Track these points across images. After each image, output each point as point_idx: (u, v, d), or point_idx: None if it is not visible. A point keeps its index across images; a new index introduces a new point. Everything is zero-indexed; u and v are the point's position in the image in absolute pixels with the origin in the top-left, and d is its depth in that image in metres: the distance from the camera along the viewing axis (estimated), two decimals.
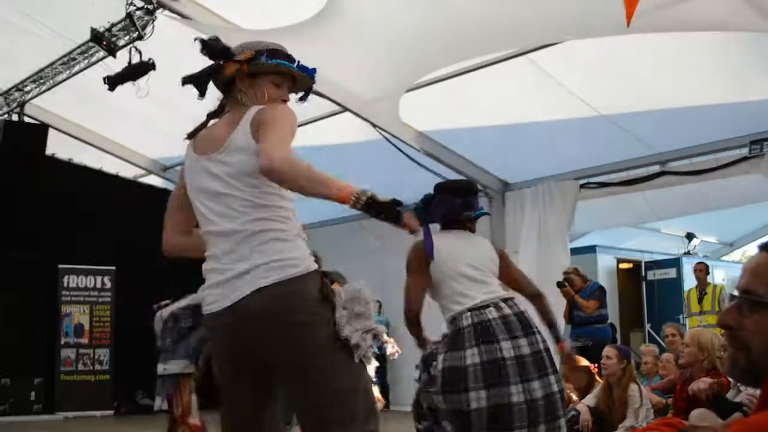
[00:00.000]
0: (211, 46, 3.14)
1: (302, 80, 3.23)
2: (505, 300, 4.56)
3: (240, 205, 2.91)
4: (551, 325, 4.93)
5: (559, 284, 9.78)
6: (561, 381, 4.57)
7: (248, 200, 2.91)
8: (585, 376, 7.43)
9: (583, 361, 7.65)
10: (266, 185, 2.90)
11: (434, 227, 4.72)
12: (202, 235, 3.06)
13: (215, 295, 2.93)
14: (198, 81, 3.16)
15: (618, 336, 14.27)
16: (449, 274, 4.59)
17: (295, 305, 2.83)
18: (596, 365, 7.61)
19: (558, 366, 4.62)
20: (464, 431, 4.29)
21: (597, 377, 7.54)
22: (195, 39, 3.19)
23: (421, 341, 4.67)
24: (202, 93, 3.16)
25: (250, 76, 3.10)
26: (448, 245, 4.65)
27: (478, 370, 4.29)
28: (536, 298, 5.03)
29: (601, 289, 9.97)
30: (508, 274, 4.88)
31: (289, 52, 3.21)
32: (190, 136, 3.17)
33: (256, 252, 2.86)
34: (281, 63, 3.14)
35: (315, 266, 2.93)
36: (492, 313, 4.45)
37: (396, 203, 2.85)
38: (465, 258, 4.64)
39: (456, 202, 4.77)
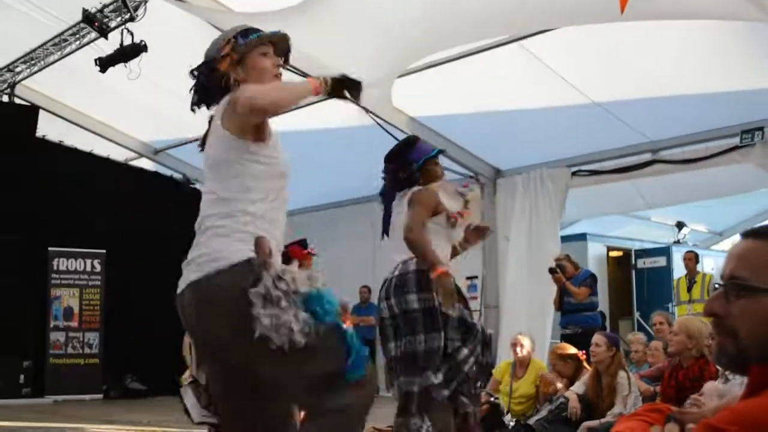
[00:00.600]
0: (200, 68, 3.19)
1: (279, 42, 3.25)
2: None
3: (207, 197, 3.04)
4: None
5: (551, 270, 9.78)
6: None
7: (214, 193, 3.01)
8: (572, 364, 7.45)
9: (571, 349, 7.67)
10: (231, 176, 2.97)
11: None
12: None
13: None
14: (208, 94, 3.17)
15: (607, 324, 14.32)
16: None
17: (213, 303, 2.86)
18: (585, 352, 7.64)
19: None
20: None
21: (586, 365, 7.56)
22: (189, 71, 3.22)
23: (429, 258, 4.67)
24: (209, 104, 3.18)
25: (238, 63, 3.12)
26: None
27: None
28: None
29: (593, 277, 9.98)
30: None
31: None
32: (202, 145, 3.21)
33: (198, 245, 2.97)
34: (257, 35, 3.18)
35: (242, 257, 2.87)
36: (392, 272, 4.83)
37: (347, 79, 3.10)
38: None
39: (395, 168, 4.95)
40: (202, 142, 3.17)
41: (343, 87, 3.11)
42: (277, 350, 2.74)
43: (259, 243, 2.86)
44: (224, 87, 3.10)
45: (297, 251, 7.73)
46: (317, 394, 2.87)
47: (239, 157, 2.96)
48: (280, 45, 3.24)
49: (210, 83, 3.14)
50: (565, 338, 9.54)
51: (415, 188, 4.87)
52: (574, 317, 9.65)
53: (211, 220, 2.95)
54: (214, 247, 2.89)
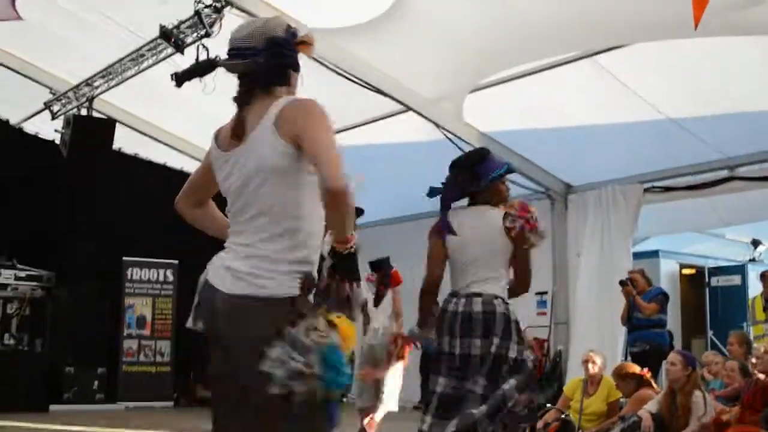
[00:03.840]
0: (278, 44, 2.96)
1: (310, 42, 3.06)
2: (479, 294, 4.56)
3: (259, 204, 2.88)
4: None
5: (622, 283, 9.63)
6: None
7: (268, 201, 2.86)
8: (633, 383, 7.35)
9: (631, 368, 7.57)
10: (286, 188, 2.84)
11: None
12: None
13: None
14: (268, 77, 2.95)
15: (679, 343, 14.07)
16: (453, 253, 4.71)
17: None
18: (648, 370, 7.53)
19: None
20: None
21: (653, 383, 7.45)
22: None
23: (425, 317, 4.64)
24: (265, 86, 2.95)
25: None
26: (460, 224, 4.70)
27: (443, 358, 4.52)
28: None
29: (665, 295, 9.80)
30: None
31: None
32: (218, 132, 3.12)
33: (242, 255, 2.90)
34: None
35: (286, 293, 2.79)
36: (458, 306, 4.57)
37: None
38: (466, 241, 4.66)
39: (465, 177, 4.77)
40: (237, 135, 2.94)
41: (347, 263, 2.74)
42: (278, 396, 2.63)
43: (304, 283, 2.78)
44: (285, 75, 2.97)
45: (397, 277, 7.70)
46: None
47: (296, 166, 2.82)
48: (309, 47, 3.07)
49: (282, 65, 2.97)
50: (633, 356, 9.39)
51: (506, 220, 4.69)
52: (642, 334, 9.49)
53: (257, 236, 2.85)
54: (258, 272, 2.81)
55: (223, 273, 2.89)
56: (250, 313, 2.78)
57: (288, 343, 2.63)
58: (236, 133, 2.94)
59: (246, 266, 2.83)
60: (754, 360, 5.64)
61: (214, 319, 2.91)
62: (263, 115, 2.85)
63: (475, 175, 4.76)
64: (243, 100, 2.97)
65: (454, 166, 4.88)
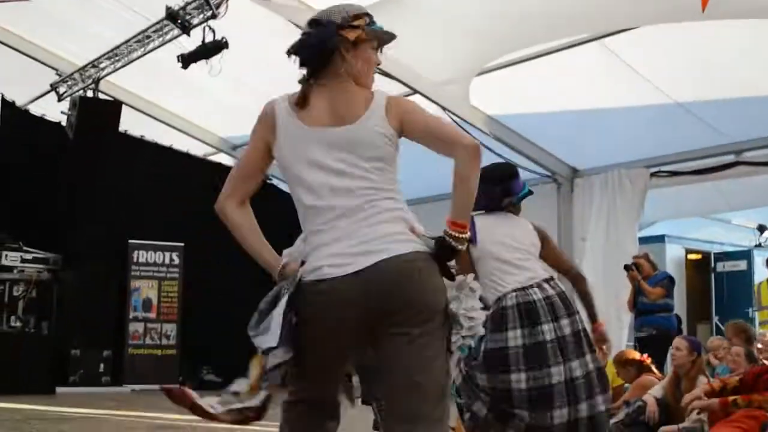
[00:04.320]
0: (324, 26, 2.96)
1: (382, 42, 3.09)
2: (547, 280, 4.63)
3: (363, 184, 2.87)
4: (590, 305, 4.89)
5: (627, 267, 9.60)
6: (597, 360, 4.60)
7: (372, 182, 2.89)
8: (633, 370, 7.35)
9: (631, 354, 7.56)
10: (390, 172, 2.90)
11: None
12: (307, 207, 2.91)
13: (338, 262, 2.83)
14: (315, 59, 2.95)
15: (685, 328, 14.06)
16: (491, 255, 4.66)
17: (424, 275, 2.82)
18: (650, 356, 7.52)
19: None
20: (504, 404, 4.40)
21: (653, 369, 7.44)
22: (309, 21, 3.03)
23: None
24: (319, 65, 2.94)
25: (353, 44, 2.95)
26: (489, 227, 4.72)
27: (520, 353, 4.40)
28: (577, 278, 5.00)
29: (670, 279, 9.77)
30: (551, 255, 4.92)
31: None
32: (301, 104, 2.94)
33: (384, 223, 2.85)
34: (380, 27, 3.04)
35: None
36: (536, 294, 4.52)
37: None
38: (505, 239, 4.70)
39: (496, 191, 4.79)
40: (301, 102, 2.93)
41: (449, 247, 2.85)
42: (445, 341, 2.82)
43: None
44: (327, 59, 2.92)
45: None
46: (436, 400, 2.82)
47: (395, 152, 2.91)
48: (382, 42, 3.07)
49: (322, 47, 2.93)
50: (639, 341, 9.38)
51: (535, 224, 4.90)
52: (649, 318, 9.47)
53: (376, 208, 2.85)
54: (400, 230, 2.85)
55: (363, 249, 2.82)
56: (423, 267, 2.82)
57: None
58: (335, 113, 2.91)
59: (394, 228, 2.85)
60: (760, 345, 5.62)
61: (367, 299, 2.80)
62: (366, 102, 2.90)
63: (506, 191, 4.84)
64: (312, 77, 2.97)
65: (486, 179, 4.85)
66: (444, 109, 10.04)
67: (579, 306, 4.77)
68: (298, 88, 2.99)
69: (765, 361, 5.55)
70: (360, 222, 2.82)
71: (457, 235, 2.80)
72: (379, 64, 3.06)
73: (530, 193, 5.01)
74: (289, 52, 2.97)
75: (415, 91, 9.90)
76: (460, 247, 2.83)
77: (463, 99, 10.04)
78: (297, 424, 3.02)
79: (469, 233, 2.84)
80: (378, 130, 2.85)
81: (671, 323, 9.55)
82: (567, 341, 4.44)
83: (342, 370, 3.08)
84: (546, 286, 4.59)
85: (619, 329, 10.05)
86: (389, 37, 3.07)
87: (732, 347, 6.81)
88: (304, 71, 2.99)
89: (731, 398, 5.11)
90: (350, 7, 3.02)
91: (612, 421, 6.57)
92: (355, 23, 2.95)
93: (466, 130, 9.90)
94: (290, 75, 3.09)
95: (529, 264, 4.68)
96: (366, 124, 2.86)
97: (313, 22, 2.98)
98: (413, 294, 2.78)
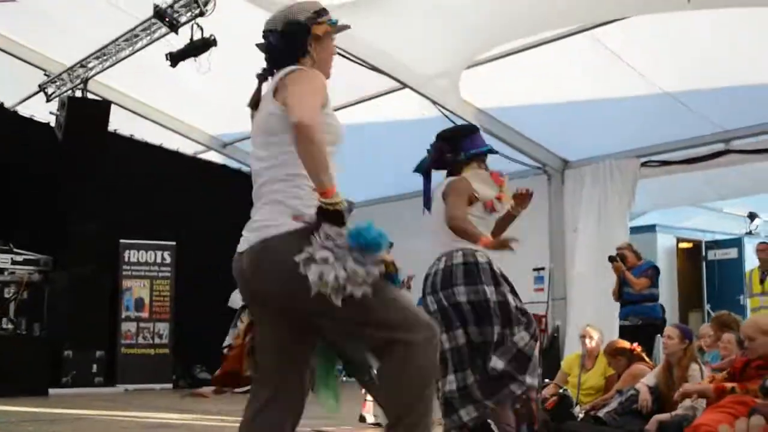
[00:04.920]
0: (292, 26, 3.21)
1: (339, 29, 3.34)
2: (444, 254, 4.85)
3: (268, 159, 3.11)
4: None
5: (611, 258, 9.62)
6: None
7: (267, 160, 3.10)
8: (624, 359, 7.37)
9: (621, 344, 7.59)
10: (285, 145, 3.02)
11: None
12: None
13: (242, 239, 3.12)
14: (281, 58, 3.19)
15: (674, 317, 14.11)
16: None
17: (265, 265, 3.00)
18: (641, 344, 7.55)
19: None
20: None
21: (645, 357, 7.46)
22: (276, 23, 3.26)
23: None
24: (290, 62, 3.16)
25: (318, 38, 3.22)
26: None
27: None
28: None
29: (655, 269, 9.77)
30: None
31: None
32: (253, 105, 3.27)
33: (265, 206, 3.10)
34: (335, 20, 3.28)
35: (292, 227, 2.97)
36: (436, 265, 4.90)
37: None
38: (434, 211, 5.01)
39: (443, 147, 5.01)
40: (254, 104, 3.24)
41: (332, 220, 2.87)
42: (334, 304, 2.82)
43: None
44: (296, 54, 3.17)
45: None
46: (386, 331, 2.94)
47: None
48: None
49: (293, 45, 3.19)
50: (624, 330, 9.40)
51: (450, 179, 4.96)
52: (634, 308, 9.49)
53: (266, 187, 3.08)
54: (267, 216, 3.04)
55: (246, 233, 3.17)
56: (263, 258, 3.01)
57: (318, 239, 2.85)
58: (251, 104, 3.28)
59: (265, 214, 3.10)
60: (745, 344, 5.61)
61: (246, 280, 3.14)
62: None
63: (455, 147, 4.97)
64: (262, 77, 3.26)
65: (439, 136, 5.13)
66: (434, 102, 10.04)
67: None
68: None
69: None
70: (256, 204, 3.13)
71: (327, 201, 2.84)
72: (333, 54, 3.29)
73: (487, 152, 5.04)
74: (266, 51, 3.24)
75: (405, 86, 9.91)
76: (338, 209, 2.85)
77: (453, 92, 10.05)
78: (249, 403, 3.17)
79: (337, 196, 2.85)
80: (269, 109, 3.09)
81: (656, 312, 9.58)
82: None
83: (290, 356, 3.16)
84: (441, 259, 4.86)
85: (610, 319, 10.06)
86: (343, 27, 3.32)
87: (723, 334, 6.83)
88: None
89: (729, 385, 5.11)
90: (309, 4, 3.27)
91: (605, 410, 6.61)
92: (320, 20, 3.21)
93: (456, 124, 9.93)
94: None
95: (438, 231, 4.93)
96: (264, 105, 3.14)
97: (283, 23, 3.21)
98: (258, 285, 3.05)
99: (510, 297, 4.72)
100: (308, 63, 3.17)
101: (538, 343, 4.76)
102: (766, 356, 5.33)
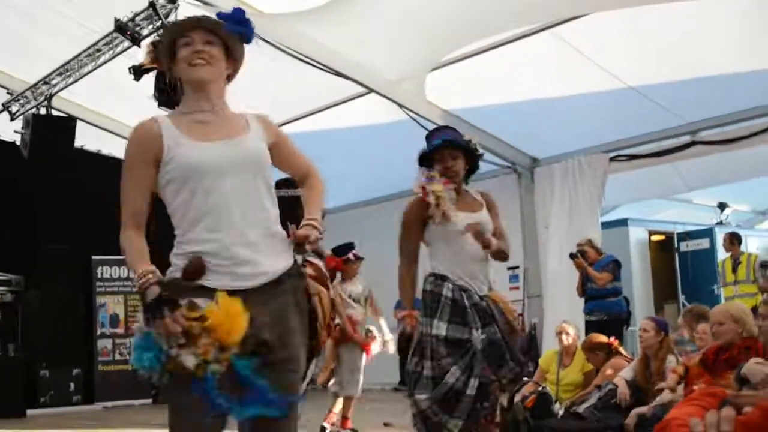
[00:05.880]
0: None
1: (194, 25, 3.08)
2: None
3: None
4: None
5: (572, 255, 9.68)
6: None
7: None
8: (602, 354, 7.40)
9: (598, 338, 7.62)
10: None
11: None
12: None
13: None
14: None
15: (652, 308, 14.19)
16: None
17: None
18: (615, 338, 7.58)
19: None
20: None
21: (621, 350, 7.49)
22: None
23: None
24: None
25: (172, 61, 3.13)
26: None
27: None
28: None
29: (616, 263, 9.83)
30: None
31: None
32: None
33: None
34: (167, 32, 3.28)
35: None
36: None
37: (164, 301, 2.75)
38: None
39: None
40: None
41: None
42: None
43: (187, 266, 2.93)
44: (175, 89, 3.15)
45: (331, 260, 7.67)
46: None
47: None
48: (204, 25, 3.02)
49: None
50: (589, 325, 9.45)
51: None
52: (599, 303, 9.56)
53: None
54: None
55: None
56: None
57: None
58: None
59: None
60: (712, 329, 5.64)
61: None
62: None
63: (427, 142, 4.80)
64: None
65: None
66: (400, 106, 10.04)
67: None
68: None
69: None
70: None
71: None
72: (199, 51, 2.99)
73: (445, 144, 4.70)
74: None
75: (371, 90, 9.89)
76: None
77: (418, 95, 10.06)
78: None
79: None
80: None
81: (621, 307, 9.64)
82: None
83: None
84: None
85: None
86: (173, 25, 3.29)
87: (699, 325, 6.86)
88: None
89: (695, 388, 5.15)
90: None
91: (584, 405, 6.62)
92: (146, 64, 3.26)
93: (423, 126, 9.93)
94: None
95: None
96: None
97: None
98: None
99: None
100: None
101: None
102: (732, 346, 5.37)
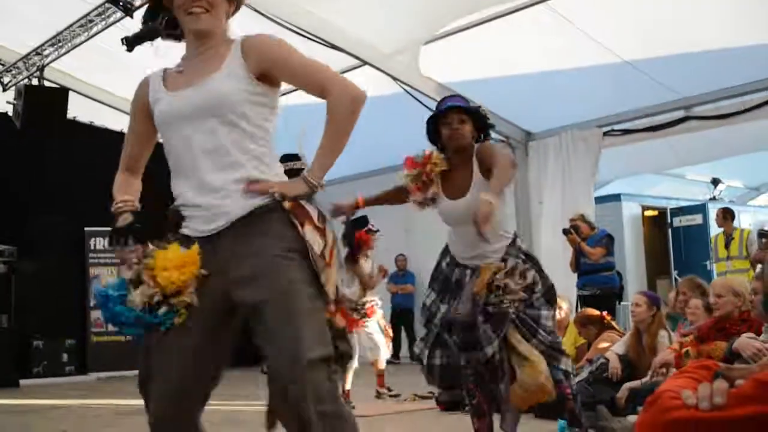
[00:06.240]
0: None
1: None
2: None
3: None
4: None
5: (565, 231, 9.71)
6: None
7: None
8: (594, 328, 7.43)
9: (590, 313, 7.64)
10: None
11: None
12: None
13: None
14: None
15: (645, 283, 14.24)
16: None
17: None
18: (607, 313, 7.61)
19: None
20: None
21: (615, 325, 7.52)
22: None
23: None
24: None
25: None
26: None
27: None
28: None
29: (609, 237, 9.87)
30: None
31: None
32: None
33: None
34: None
35: None
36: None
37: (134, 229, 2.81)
38: None
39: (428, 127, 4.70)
40: None
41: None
42: None
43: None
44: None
45: (364, 237, 7.59)
46: None
47: None
48: None
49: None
50: (582, 299, 9.50)
51: None
52: (592, 278, 9.61)
53: None
54: None
55: None
56: None
57: None
58: None
59: None
60: (712, 299, 5.66)
61: None
62: None
63: (434, 118, 4.67)
64: None
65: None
66: (395, 79, 10.01)
67: None
68: None
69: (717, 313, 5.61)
70: None
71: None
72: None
73: (445, 111, 4.59)
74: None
75: (365, 63, 9.86)
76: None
77: (413, 68, 10.02)
78: None
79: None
80: None
81: (614, 281, 9.70)
82: None
83: None
84: None
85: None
86: None
87: (690, 300, 6.88)
88: None
89: (683, 349, 5.19)
90: None
91: (576, 379, 6.64)
92: None
93: (417, 99, 9.89)
94: None
95: None
96: None
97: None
98: None
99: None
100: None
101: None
102: (728, 318, 5.41)
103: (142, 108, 3.01)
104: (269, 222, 2.75)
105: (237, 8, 2.99)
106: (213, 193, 2.77)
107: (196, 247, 2.72)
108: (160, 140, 3.06)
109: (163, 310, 2.69)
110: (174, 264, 2.68)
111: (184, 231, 2.82)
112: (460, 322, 4.37)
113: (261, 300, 2.65)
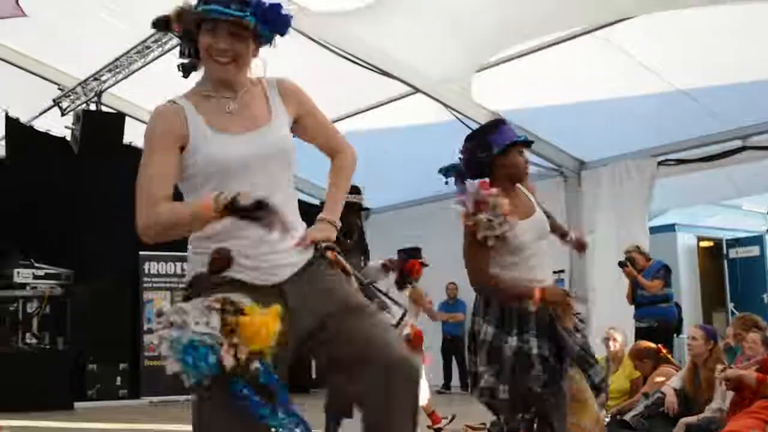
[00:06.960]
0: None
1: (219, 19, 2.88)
2: None
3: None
4: None
5: (621, 264, 9.57)
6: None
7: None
8: (650, 362, 7.31)
9: (648, 345, 7.52)
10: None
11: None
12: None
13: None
14: None
15: (701, 316, 13.99)
16: None
17: None
18: (664, 346, 7.48)
19: None
20: None
21: (671, 359, 7.40)
22: None
23: None
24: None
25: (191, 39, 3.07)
26: None
27: None
28: None
29: (666, 268, 9.72)
30: None
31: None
32: None
33: None
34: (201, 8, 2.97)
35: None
36: None
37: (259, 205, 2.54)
38: None
39: (473, 148, 4.33)
40: None
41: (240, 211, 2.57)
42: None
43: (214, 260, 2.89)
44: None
45: (416, 265, 7.43)
46: None
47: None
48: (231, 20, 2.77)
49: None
50: (639, 331, 9.33)
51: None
52: (649, 310, 9.47)
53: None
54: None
55: None
56: None
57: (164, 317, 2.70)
58: None
59: None
60: None
61: None
62: None
63: (486, 144, 4.30)
64: None
65: (467, 138, 4.47)
66: (446, 106, 10.01)
67: None
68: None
69: None
70: None
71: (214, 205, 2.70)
72: (224, 49, 2.85)
73: (526, 142, 4.39)
74: None
75: (417, 90, 9.88)
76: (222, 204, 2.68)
77: (464, 95, 10.02)
78: None
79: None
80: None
81: (672, 313, 9.55)
82: None
83: None
84: None
85: (632, 321, 9.98)
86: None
87: (749, 334, 6.73)
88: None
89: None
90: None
91: (632, 413, 6.55)
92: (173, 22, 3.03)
93: (468, 127, 9.87)
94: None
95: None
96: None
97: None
98: None
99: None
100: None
101: None
102: None
103: (180, 142, 2.84)
104: (323, 266, 2.87)
105: (261, 45, 2.91)
106: (276, 244, 2.74)
107: (276, 308, 2.63)
108: None
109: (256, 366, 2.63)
110: (261, 335, 2.61)
111: (237, 275, 2.81)
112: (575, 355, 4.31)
113: (338, 309, 2.78)
